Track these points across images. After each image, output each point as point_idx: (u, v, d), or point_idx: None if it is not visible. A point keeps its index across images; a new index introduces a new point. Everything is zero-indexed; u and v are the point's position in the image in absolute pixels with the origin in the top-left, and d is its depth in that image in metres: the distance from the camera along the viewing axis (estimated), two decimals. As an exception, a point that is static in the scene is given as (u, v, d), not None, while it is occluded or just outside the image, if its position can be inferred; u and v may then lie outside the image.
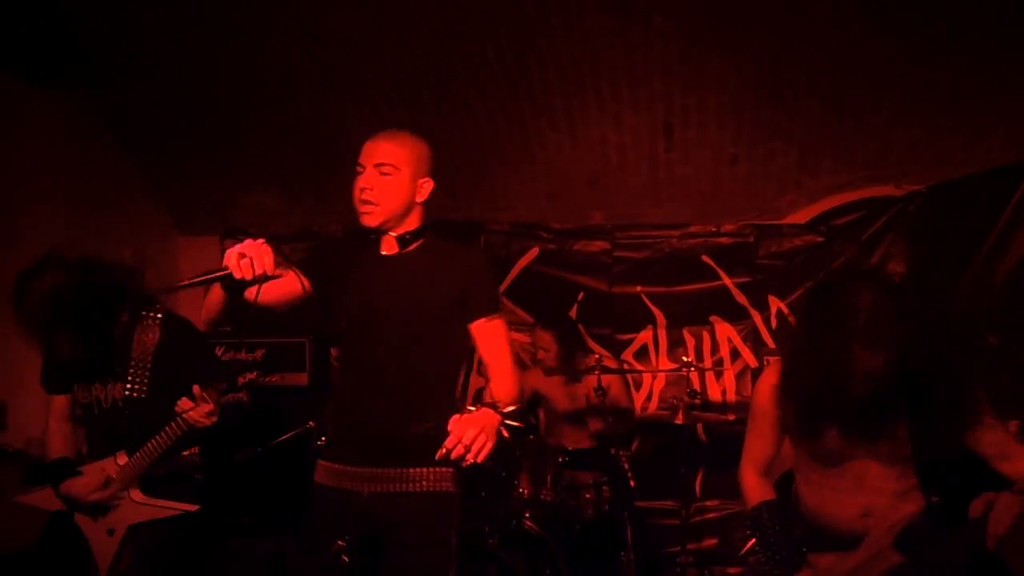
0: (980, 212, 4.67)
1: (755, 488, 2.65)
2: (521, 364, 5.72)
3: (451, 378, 2.64)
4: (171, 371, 3.10)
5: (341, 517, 2.47)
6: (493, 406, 2.26)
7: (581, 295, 5.72)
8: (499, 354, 2.55)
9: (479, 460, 2.15)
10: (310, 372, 5.32)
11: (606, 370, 4.70)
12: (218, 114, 5.40)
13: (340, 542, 2.40)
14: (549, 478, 4.23)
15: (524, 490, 4.12)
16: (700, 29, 4.53)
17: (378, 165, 2.52)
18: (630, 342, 5.67)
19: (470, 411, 2.20)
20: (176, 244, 6.37)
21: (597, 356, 4.77)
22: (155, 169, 5.96)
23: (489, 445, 2.17)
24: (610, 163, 5.48)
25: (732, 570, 5.01)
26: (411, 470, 2.46)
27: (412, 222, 2.62)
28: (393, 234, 2.59)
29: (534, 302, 5.74)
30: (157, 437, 3.02)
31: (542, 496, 4.18)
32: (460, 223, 5.86)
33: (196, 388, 2.93)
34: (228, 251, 2.13)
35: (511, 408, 2.30)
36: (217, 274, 2.14)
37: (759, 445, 2.69)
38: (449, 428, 2.14)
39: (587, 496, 4.33)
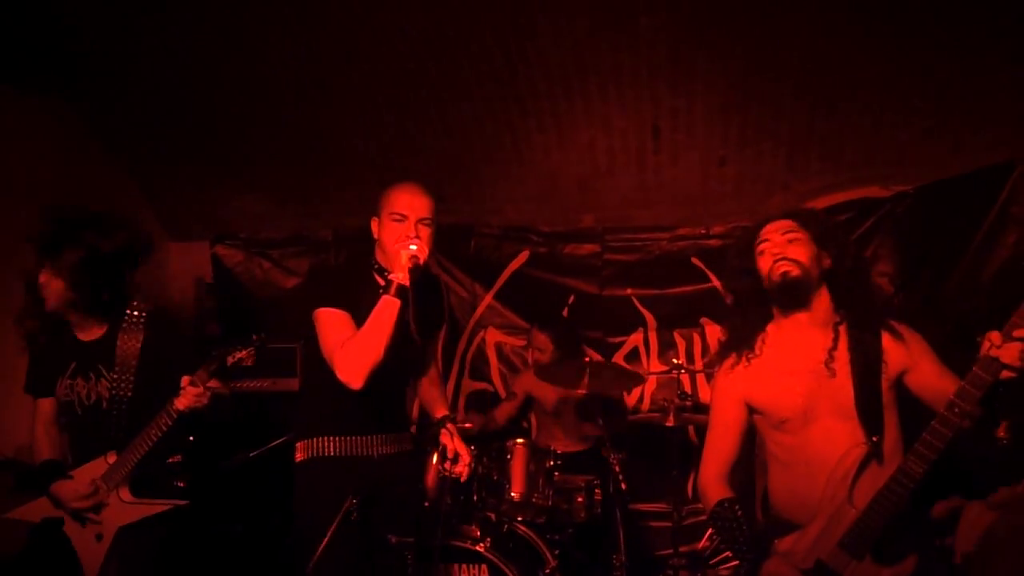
0: (967, 212, 4.69)
1: (715, 490, 2.72)
2: (512, 367, 5.73)
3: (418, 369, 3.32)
4: (157, 371, 3.11)
5: (345, 483, 2.79)
6: (453, 420, 3.14)
7: (572, 298, 5.73)
8: (436, 356, 3.48)
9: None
10: (301, 377, 5.30)
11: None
12: (207, 119, 5.38)
13: (353, 500, 2.72)
14: (541, 481, 4.22)
15: (516, 493, 4.12)
16: (687, 31, 4.54)
17: (422, 219, 2.87)
18: (621, 345, 5.69)
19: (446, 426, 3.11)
20: (166, 249, 6.35)
21: (588, 359, 4.77)
22: (144, 174, 5.94)
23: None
24: (599, 166, 5.49)
25: (724, 572, 5.01)
26: (405, 433, 3.13)
27: None
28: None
29: (525, 306, 5.75)
30: (147, 430, 3.01)
31: (534, 499, 4.17)
32: (450, 226, 5.86)
33: (185, 379, 2.98)
34: (416, 252, 2.78)
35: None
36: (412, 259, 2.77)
37: (722, 441, 2.78)
38: (447, 445, 3.05)
39: (579, 499, 4.33)
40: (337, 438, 2.94)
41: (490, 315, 5.83)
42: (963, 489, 2.89)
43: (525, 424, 5.56)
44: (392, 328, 2.72)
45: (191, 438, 3.44)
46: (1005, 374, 2.17)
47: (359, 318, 2.78)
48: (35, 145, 5.11)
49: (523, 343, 5.57)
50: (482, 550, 3.83)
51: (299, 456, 2.98)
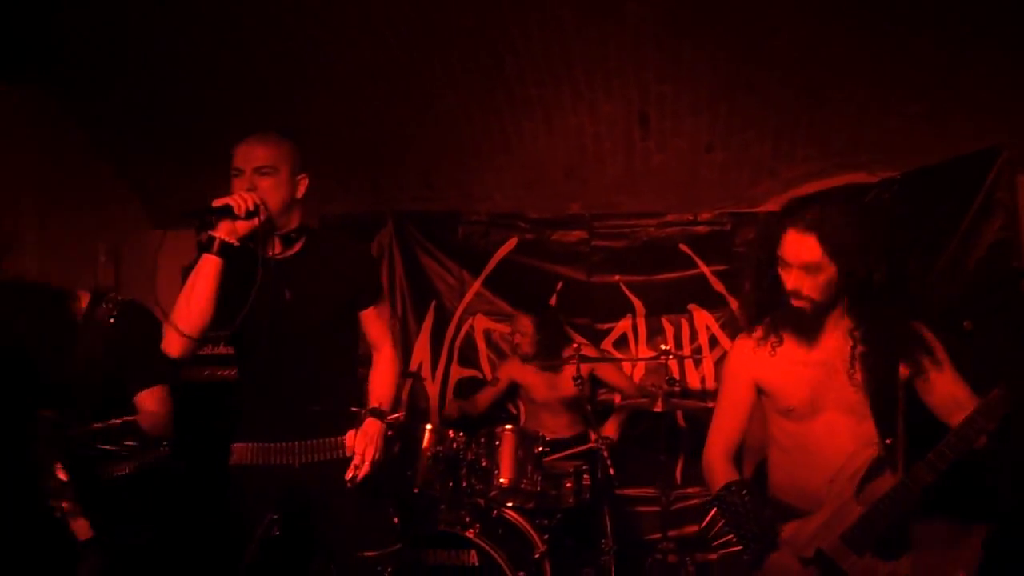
0: (953, 198, 4.72)
1: (722, 470, 2.69)
2: (500, 353, 5.74)
3: (351, 358, 2.91)
4: (123, 355, 3.08)
5: (268, 493, 2.65)
6: (378, 413, 2.78)
7: (560, 285, 5.74)
8: (383, 335, 2.95)
9: (369, 470, 2.67)
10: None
11: (585, 359, 4.71)
12: (192, 107, 5.34)
13: (272, 515, 2.56)
14: (529, 467, 4.23)
15: (504, 479, 4.13)
16: (674, 18, 4.53)
17: (257, 168, 2.64)
18: (609, 331, 5.70)
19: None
20: (151, 238, 6.31)
21: (576, 345, 4.78)
22: (129, 163, 5.89)
23: (378, 455, 2.70)
24: (586, 153, 5.48)
25: (712, 556, 5.04)
26: (334, 439, 2.75)
27: (294, 220, 2.74)
28: (278, 234, 2.70)
29: (513, 292, 5.75)
30: None
31: (523, 485, 4.18)
32: (437, 214, 5.85)
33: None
34: (216, 200, 2.49)
35: (392, 414, 2.85)
36: (218, 206, 2.47)
37: (730, 418, 2.75)
38: (347, 445, 2.68)
39: (567, 485, 4.34)
40: (253, 445, 2.74)
41: (478, 302, 5.82)
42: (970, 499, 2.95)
43: (513, 410, 5.57)
44: (212, 290, 2.49)
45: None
46: None
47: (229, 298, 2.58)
48: (20, 134, 5.06)
49: (510, 329, 5.58)
50: (471, 536, 3.85)
51: (230, 460, 2.83)
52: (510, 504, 4.17)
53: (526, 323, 5.07)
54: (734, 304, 5.50)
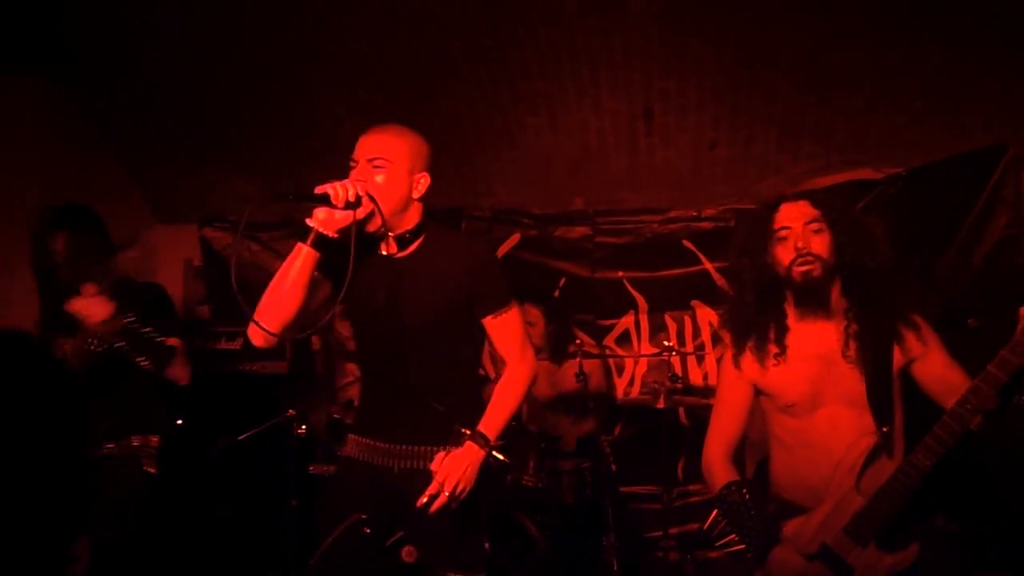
0: (959, 194, 4.69)
1: (721, 470, 2.69)
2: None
3: (470, 363, 2.69)
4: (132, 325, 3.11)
5: (368, 490, 2.53)
6: (482, 440, 2.44)
7: (563, 281, 5.72)
8: (510, 349, 2.62)
9: (447, 503, 2.35)
10: (290, 361, 5.29)
11: (588, 355, 4.70)
12: (196, 102, 5.34)
13: (361, 515, 2.44)
14: (531, 464, 4.23)
15: (506, 476, 4.12)
16: (679, 13, 4.51)
17: (372, 160, 2.42)
18: (612, 327, 5.68)
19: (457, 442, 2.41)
20: (154, 232, 6.31)
21: (579, 342, 4.77)
22: (132, 156, 5.89)
23: (468, 488, 2.39)
24: (590, 148, 5.47)
25: (713, 555, 5.03)
26: (438, 448, 2.47)
27: (411, 219, 2.53)
28: (392, 234, 2.50)
29: (516, 288, 5.70)
30: None
31: (524, 482, 4.18)
32: (441, 209, 5.82)
33: None
34: (318, 187, 2.23)
35: (498, 443, 2.48)
36: (318, 194, 2.23)
37: (728, 419, 2.74)
38: (432, 469, 2.36)
39: (569, 482, 4.34)
40: (361, 439, 2.61)
41: (481, 298, 5.81)
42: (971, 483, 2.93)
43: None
44: (304, 282, 2.28)
45: (179, 422, 3.45)
46: None
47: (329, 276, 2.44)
48: (23, 128, 5.07)
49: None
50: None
51: (341, 450, 2.73)
52: (511, 501, 4.16)
53: (536, 314, 5.05)
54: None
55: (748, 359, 2.67)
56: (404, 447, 2.53)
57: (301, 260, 2.27)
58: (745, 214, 5.39)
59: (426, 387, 2.52)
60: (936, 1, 4.24)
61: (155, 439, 3.30)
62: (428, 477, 2.41)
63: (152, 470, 3.28)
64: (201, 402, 3.76)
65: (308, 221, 2.27)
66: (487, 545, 2.59)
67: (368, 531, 2.43)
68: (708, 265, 5.55)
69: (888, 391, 2.48)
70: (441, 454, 2.39)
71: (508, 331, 2.60)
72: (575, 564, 4.44)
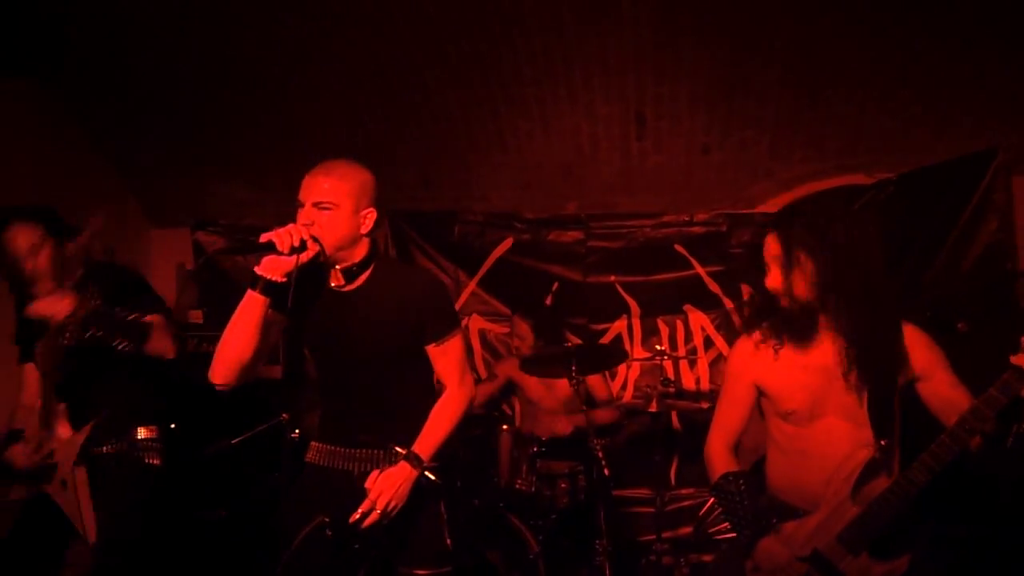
0: (949, 200, 4.72)
1: (721, 461, 2.73)
2: (495, 354, 5.73)
3: (422, 382, 2.77)
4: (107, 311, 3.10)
5: (329, 495, 2.60)
6: (416, 460, 2.54)
7: (556, 285, 5.71)
8: (450, 374, 2.73)
9: (379, 519, 2.46)
10: (284, 365, 5.28)
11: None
12: (190, 105, 5.34)
13: (324, 518, 2.51)
14: (524, 467, 4.23)
15: (499, 479, 4.13)
16: (672, 19, 4.54)
17: (317, 203, 2.51)
18: (605, 331, 5.69)
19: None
20: (147, 236, 6.31)
21: (570, 344, 4.77)
22: (126, 160, 5.89)
23: (399, 505, 2.50)
24: (583, 153, 5.48)
25: (706, 557, 5.04)
26: (396, 448, 2.58)
27: (358, 254, 2.62)
28: (339, 268, 2.60)
29: (509, 292, 5.75)
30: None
31: (517, 485, 4.19)
32: (433, 213, 5.84)
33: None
34: (263, 235, 2.34)
35: (431, 464, 2.58)
36: (263, 242, 2.34)
37: (729, 415, 2.78)
38: (367, 487, 2.47)
39: (562, 485, 4.35)
40: (324, 446, 2.72)
41: (473, 302, 5.82)
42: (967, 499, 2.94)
43: (508, 411, 5.57)
44: (255, 326, 2.40)
45: (172, 426, 3.43)
46: None
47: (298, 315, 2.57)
48: (14, 130, 5.06)
49: (507, 330, 5.57)
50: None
51: (305, 456, 2.81)
52: (504, 504, 4.17)
53: (525, 328, 5.06)
54: (729, 305, 5.51)
55: (757, 354, 2.69)
56: (362, 451, 2.64)
57: (252, 306, 2.40)
58: (758, 221, 5.42)
59: (380, 403, 2.65)
60: (927, 8, 4.27)
61: (154, 429, 3.27)
62: None
63: (156, 462, 3.25)
64: (194, 406, 3.75)
65: (255, 269, 2.39)
66: (449, 542, 2.67)
67: (330, 533, 2.51)
68: (700, 270, 5.57)
69: (888, 405, 2.50)
70: (375, 472, 2.52)
71: (450, 358, 2.70)
72: (568, 568, 4.44)
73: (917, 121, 4.89)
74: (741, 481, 2.62)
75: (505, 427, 4.25)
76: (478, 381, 5.59)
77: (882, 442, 2.45)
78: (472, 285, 5.80)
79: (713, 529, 4.75)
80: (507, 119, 5.30)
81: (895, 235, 5.05)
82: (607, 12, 4.53)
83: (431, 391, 2.78)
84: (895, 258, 5.02)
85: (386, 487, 2.47)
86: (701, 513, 5.09)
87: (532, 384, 5.09)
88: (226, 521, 4.66)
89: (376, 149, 5.43)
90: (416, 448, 2.57)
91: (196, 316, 5.97)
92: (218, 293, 5.99)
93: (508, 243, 5.81)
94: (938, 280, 4.70)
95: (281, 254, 2.34)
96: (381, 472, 2.51)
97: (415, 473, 2.54)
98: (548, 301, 5.63)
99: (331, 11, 4.63)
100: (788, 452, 2.63)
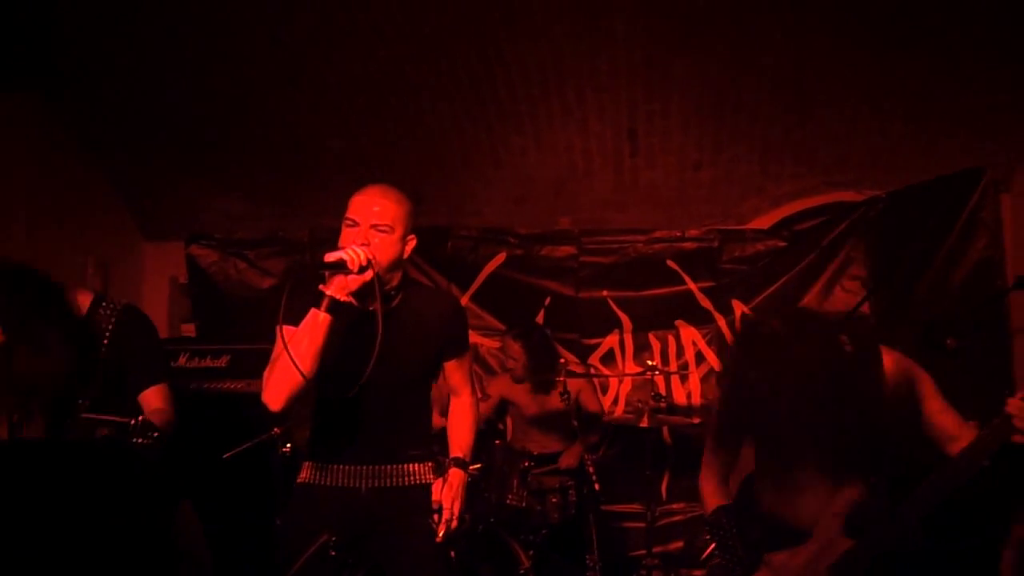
0: (938, 217, 4.75)
1: (713, 494, 2.70)
2: (488, 368, 5.74)
3: (427, 395, 2.86)
4: (119, 363, 3.01)
5: (333, 512, 2.61)
6: (461, 464, 2.75)
7: (548, 300, 5.74)
8: (463, 383, 2.91)
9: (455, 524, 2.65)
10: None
11: (571, 374, 4.72)
12: (183, 119, 5.35)
13: (329, 537, 2.51)
14: (515, 482, 4.23)
15: (491, 495, 4.13)
16: (664, 36, 4.57)
17: (375, 226, 2.51)
18: (596, 346, 5.70)
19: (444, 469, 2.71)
20: (141, 249, 6.32)
21: (563, 361, 4.79)
22: (119, 174, 5.90)
23: (461, 506, 2.68)
24: (576, 168, 5.51)
25: (697, 573, 5.04)
26: (405, 466, 2.71)
27: (397, 277, 2.65)
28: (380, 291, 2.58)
29: (501, 307, 5.75)
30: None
31: (508, 500, 4.18)
32: (427, 228, 5.84)
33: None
34: (328, 255, 2.36)
35: (473, 464, 2.89)
36: (331, 261, 2.35)
37: (719, 454, 2.74)
38: (434, 498, 2.64)
39: (553, 500, 4.35)
40: (322, 465, 2.70)
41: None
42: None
43: (500, 426, 5.57)
44: (318, 347, 2.38)
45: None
46: (1017, 438, 2.18)
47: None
48: (10, 143, 5.07)
49: (499, 345, 5.58)
50: (453, 555, 3.84)
51: (297, 478, 2.78)
52: (495, 519, 4.16)
53: (517, 349, 5.03)
54: (720, 320, 5.52)
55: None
56: (370, 467, 2.67)
57: (317, 326, 2.38)
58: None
59: (394, 420, 2.71)
60: (917, 26, 4.31)
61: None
62: (396, 494, 2.65)
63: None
64: (186, 420, 3.75)
65: (323, 288, 2.38)
66: (452, 554, 2.81)
67: (334, 553, 2.51)
68: (692, 285, 5.58)
69: (876, 438, 2.45)
70: (438, 484, 2.67)
71: (464, 370, 2.90)
72: (559, 583, 4.45)
73: (906, 139, 4.93)
74: (733, 517, 2.61)
75: (497, 442, 4.25)
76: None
77: (872, 479, 2.43)
78: (465, 300, 5.81)
79: (705, 554, 4.74)
80: (500, 135, 5.33)
81: (884, 252, 5.09)
82: (600, 29, 4.56)
83: (430, 404, 2.89)
84: (884, 275, 5.05)
85: (453, 494, 2.66)
86: (698, 543, 5.08)
87: (526, 402, 5.09)
88: (216, 536, 4.65)
89: (369, 164, 5.45)
90: (458, 453, 2.79)
91: (188, 330, 5.98)
92: (210, 307, 6.00)
93: (501, 258, 5.82)
94: (928, 297, 4.72)
95: (350, 273, 2.35)
96: (443, 484, 2.67)
97: (465, 475, 2.74)
98: (540, 318, 5.66)
99: (325, 28, 4.65)
100: (778, 486, 2.56)
